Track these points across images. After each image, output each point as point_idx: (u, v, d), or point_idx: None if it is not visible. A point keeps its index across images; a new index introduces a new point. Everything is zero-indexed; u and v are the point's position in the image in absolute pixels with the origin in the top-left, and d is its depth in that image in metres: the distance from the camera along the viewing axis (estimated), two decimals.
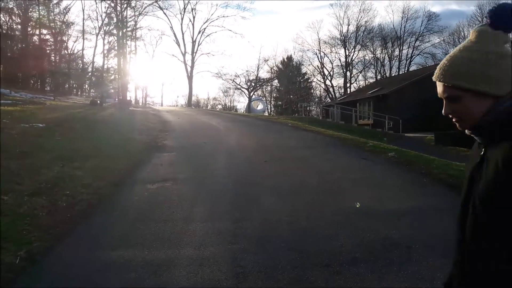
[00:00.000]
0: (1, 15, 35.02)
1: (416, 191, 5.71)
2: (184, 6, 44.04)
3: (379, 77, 53.93)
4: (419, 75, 28.75)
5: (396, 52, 52.52)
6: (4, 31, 35.26)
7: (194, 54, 44.60)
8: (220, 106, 74.50)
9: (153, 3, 41.28)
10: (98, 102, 26.39)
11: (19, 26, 38.14)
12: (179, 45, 44.53)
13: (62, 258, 3.63)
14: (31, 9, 38.14)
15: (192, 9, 44.46)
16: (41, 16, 38.93)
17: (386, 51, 53.29)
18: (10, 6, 36.39)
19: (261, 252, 3.61)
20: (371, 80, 54.03)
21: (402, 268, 3.15)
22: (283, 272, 3.19)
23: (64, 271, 3.37)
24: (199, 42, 44.69)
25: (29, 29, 38.55)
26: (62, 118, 12.71)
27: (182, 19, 44.42)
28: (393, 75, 49.07)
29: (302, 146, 10.03)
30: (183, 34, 44.60)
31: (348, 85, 55.38)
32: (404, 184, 6.15)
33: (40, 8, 39.06)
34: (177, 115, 22.00)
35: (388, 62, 54.21)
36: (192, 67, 44.37)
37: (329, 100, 52.71)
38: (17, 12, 37.06)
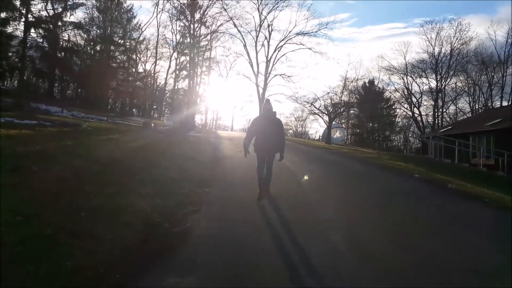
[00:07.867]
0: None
1: None
2: (260, 22, 39.97)
3: (477, 106, 47.32)
4: None
5: (496, 79, 45.83)
6: (71, 46, 33.94)
7: (268, 74, 39.94)
8: (291, 131, 69.15)
9: (228, 21, 37.94)
10: (152, 125, 22.72)
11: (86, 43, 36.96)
12: (252, 66, 40.30)
13: None
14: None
15: (268, 25, 40.24)
16: (109, 32, 37.48)
17: (486, 77, 46.24)
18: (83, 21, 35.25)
19: None
20: (466, 110, 47.69)
21: None
22: None
23: None
24: (273, 61, 40.05)
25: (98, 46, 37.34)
26: (53, 153, 8.14)
27: (257, 36, 40.23)
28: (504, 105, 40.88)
29: None
30: (256, 53, 40.30)
31: (437, 114, 47.69)
32: None
33: (112, 24, 37.68)
34: (240, 146, 16.89)
35: (489, 90, 45.86)
36: (264, 89, 39.73)
37: (418, 132, 45.55)
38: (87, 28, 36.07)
